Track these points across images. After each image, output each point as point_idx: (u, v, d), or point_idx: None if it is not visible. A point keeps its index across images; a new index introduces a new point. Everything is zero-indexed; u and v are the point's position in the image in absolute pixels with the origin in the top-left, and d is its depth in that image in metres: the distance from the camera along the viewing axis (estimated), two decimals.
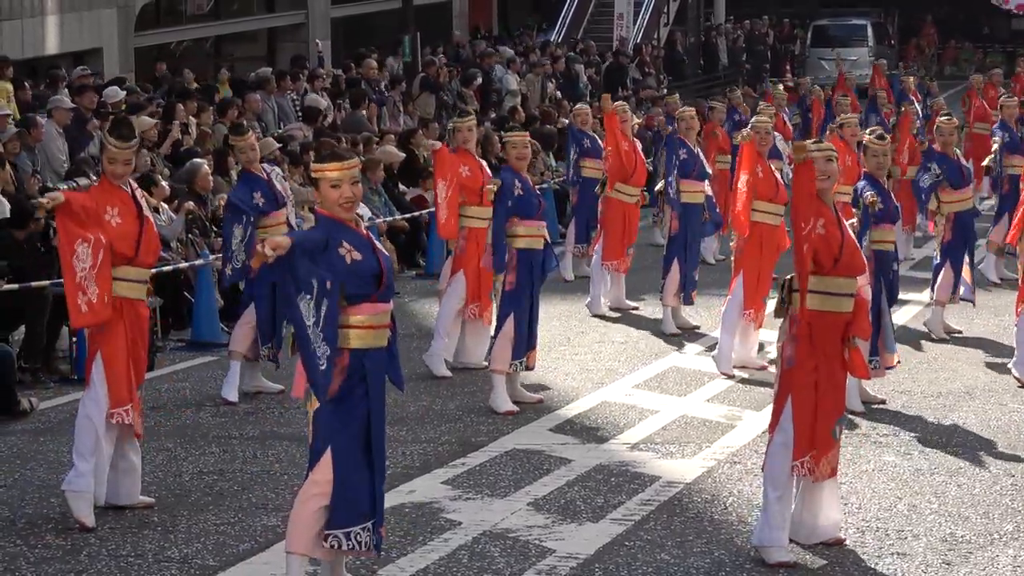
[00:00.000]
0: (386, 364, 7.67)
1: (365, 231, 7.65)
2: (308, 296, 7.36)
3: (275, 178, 12.70)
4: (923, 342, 14.49)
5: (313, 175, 7.54)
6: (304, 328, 7.37)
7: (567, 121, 18.55)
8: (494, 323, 12.48)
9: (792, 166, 8.65)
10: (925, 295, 15.76)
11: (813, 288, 8.49)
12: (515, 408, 11.88)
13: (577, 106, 19.25)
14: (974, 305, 14.90)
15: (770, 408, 11.59)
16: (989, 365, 13.51)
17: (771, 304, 14.16)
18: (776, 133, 18.51)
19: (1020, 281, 12.78)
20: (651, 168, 20.03)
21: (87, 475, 9.15)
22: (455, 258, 13.43)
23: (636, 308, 16.19)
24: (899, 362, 12.10)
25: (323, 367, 7.38)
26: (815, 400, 8.49)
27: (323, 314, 7.35)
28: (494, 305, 13.34)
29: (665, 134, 15.88)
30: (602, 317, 15.86)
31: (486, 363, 12.94)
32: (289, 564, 7.62)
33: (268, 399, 12.40)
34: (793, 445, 8.47)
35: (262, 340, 12.32)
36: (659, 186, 15.84)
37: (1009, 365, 12.96)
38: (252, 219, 12.33)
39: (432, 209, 17.37)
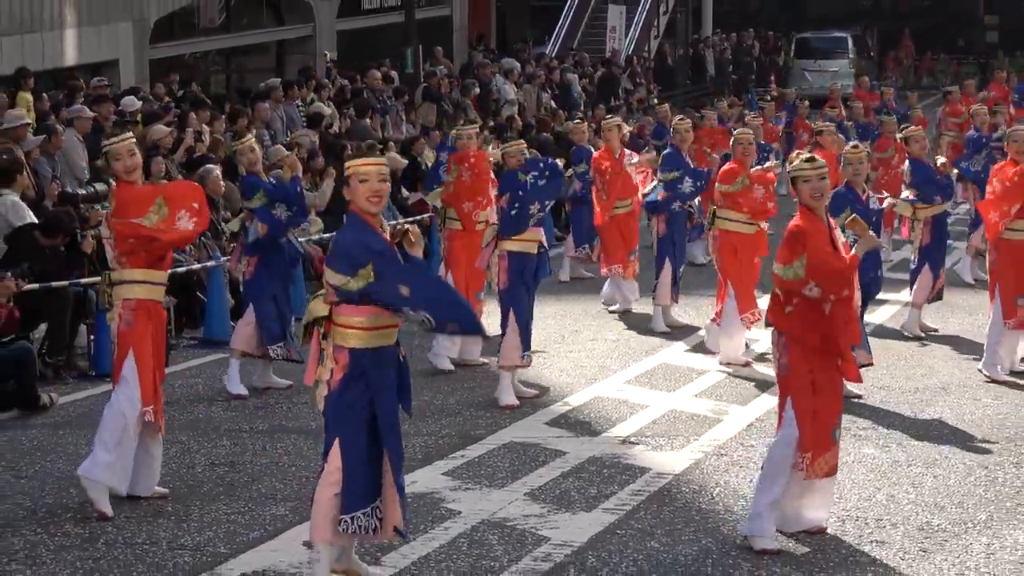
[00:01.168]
0: (393, 361, 7.74)
1: (390, 239, 7.76)
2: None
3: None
4: (900, 340, 14.52)
5: (345, 172, 7.73)
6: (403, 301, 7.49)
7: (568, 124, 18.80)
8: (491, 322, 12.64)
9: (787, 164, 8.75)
10: (903, 294, 15.73)
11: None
12: (516, 403, 11.94)
13: (573, 123, 19.49)
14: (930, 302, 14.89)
15: (755, 402, 11.96)
16: (963, 362, 13.57)
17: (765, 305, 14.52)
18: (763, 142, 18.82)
19: (990, 282, 12.89)
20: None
21: (103, 466, 9.20)
22: (444, 260, 13.66)
23: (629, 308, 16.12)
24: (871, 364, 12.09)
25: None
26: (814, 401, 8.55)
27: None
28: (482, 307, 13.54)
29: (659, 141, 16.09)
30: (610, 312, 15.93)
31: (484, 360, 13.20)
32: (319, 552, 7.75)
33: (277, 394, 12.49)
34: (797, 443, 8.56)
35: (269, 340, 12.39)
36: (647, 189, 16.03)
37: (979, 367, 13.04)
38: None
39: (430, 214, 17.64)
